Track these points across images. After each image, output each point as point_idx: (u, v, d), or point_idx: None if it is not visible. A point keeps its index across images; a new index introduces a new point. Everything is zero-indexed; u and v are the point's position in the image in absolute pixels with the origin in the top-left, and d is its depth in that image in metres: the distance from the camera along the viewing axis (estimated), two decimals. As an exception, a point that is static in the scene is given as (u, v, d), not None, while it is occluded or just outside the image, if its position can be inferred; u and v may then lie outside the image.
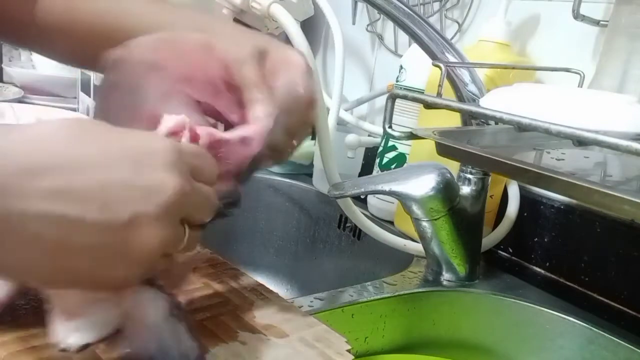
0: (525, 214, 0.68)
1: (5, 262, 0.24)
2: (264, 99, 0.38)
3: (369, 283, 0.56)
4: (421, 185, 0.55)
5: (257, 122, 0.37)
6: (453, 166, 0.58)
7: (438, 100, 0.44)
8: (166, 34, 0.37)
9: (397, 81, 0.74)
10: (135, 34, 0.37)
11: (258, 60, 0.38)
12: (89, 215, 0.24)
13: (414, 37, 0.57)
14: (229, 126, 0.41)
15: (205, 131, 0.35)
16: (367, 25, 0.92)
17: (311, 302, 0.50)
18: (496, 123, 0.49)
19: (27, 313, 0.36)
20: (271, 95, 0.38)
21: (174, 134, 0.33)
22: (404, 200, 0.57)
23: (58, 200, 0.24)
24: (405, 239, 0.67)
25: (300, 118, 0.40)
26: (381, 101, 0.92)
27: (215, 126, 0.40)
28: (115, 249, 0.25)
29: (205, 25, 0.44)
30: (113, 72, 0.36)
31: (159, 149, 0.28)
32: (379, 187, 0.57)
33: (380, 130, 0.87)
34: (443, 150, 0.44)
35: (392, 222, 0.76)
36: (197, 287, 0.44)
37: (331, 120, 0.79)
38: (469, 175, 0.58)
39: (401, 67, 0.74)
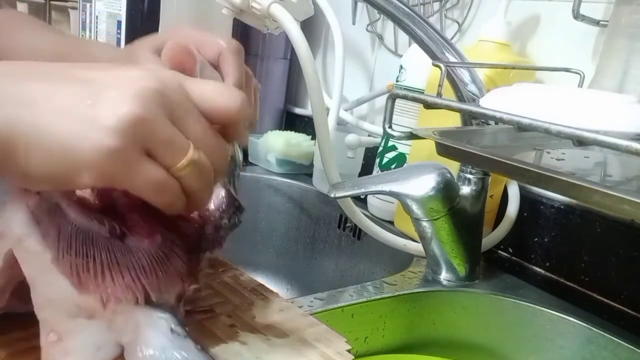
0: (525, 214, 0.68)
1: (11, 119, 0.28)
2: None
3: (369, 283, 0.56)
4: (421, 185, 0.55)
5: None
6: (453, 166, 0.58)
7: (438, 100, 0.44)
8: None
9: (397, 81, 0.74)
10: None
11: None
12: (55, 80, 0.30)
13: (414, 37, 0.57)
14: None
15: None
16: (367, 25, 0.92)
17: (311, 302, 0.50)
18: (496, 123, 0.49)
19: (27, 313, 0.36)
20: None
21: None
22: (404, 200, 0.57)
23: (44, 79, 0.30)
24: (405, 239, 0.67)
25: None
26: (381, 101, 0.92)
27: None
28: (86, 110, 0.29)
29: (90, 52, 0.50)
30: None
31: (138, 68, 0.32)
32: (379, 187, 0.57)
33: (380, 130, 0.87)
34: (443, 150, 0.44)
35: (392, 222, 0.76)
36: (197, 287, 0.44)
37: (331, 120, 0.79)
38: (469, 175, 0.58)
39: (401, 67, 0.74)
